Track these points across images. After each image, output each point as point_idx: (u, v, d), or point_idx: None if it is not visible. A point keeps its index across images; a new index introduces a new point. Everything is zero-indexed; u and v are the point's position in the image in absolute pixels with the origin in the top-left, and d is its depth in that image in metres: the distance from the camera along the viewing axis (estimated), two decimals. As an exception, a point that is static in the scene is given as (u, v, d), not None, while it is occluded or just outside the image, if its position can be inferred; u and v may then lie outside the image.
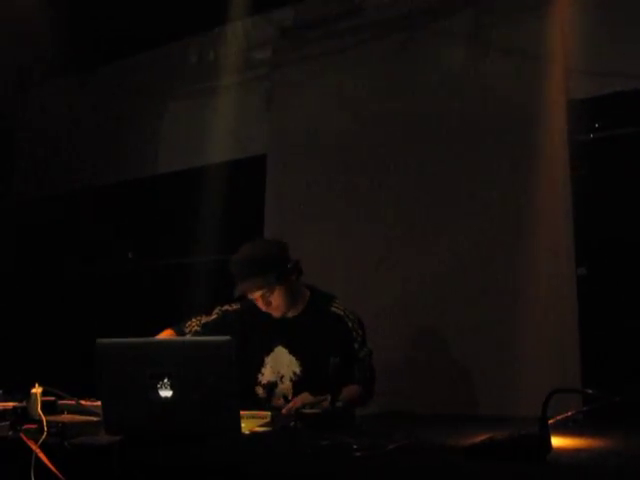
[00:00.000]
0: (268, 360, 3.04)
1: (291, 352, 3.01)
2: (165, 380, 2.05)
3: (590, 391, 1.98)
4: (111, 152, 6.16)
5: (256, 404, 2.89)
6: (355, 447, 1.76)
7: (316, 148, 5.11)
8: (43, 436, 2.05)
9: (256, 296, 2.97)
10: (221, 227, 5.25)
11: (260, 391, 3.04)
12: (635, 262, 4.05)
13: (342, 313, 3.02)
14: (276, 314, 3.02)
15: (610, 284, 4.11)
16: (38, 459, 1.97)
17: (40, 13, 5.02)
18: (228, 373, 2.04)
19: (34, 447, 1.99)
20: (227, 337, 2.06)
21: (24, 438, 2.06)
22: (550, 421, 1.81)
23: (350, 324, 3.00)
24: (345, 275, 4.69)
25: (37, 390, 2.40)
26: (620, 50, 4.16)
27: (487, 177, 4.45)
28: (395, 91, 4.84)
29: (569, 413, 1.94)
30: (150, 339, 2.17)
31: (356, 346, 2.98)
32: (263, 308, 3.00)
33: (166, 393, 2.05)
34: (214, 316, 3.18)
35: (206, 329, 3.11)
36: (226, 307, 3.19)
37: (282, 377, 3.01)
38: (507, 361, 4.14)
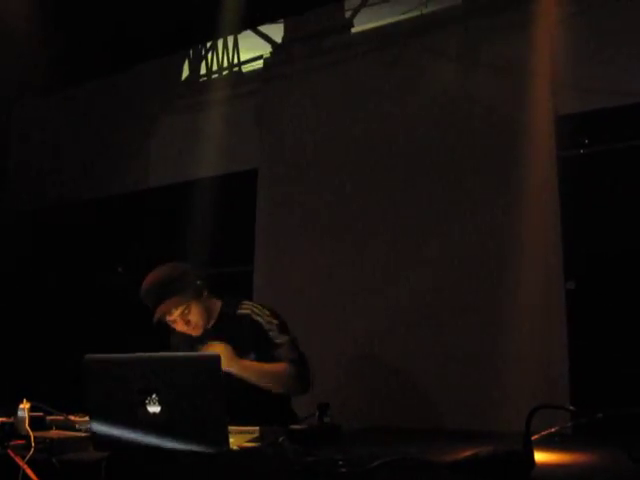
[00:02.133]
0: None
1: None
2: (153, 396, 2.04)
3: (572, 408, 1.98)
4: (102, 166, 6.17)
5: None
6: (341, 463, 1.77)
7: (306, 162, 5.14)
8: (31, 452, 2.05)
9: (174, 317, 2.98)
10: (212, 241, 5.25)
11: None
12: (623, 276, 4.07)
13: (249, 312, 3.04)
14: (195, 333, 3.05)
15: (598, 298, 4.14)
16: (26, 476, 1.96)
17: (30, 28, 5.02)
18: (215, 389, 2.04)
19: (22, 463, 1.99)
20: (214, 353, 2.06)
21: (11, 454, 2.05)
22: (535, 437, 1.82)
23: (259, 318, 3.02)
24: (333, 290, 4.70)
25: (25, 406, 2.39)
26: (607, 66, 4.20)
27: (475, 192, 4.48)
28: (384, 106, 4.87)
29: (553, 429, 1.95)
30: (138, 355, 2.16)
31: (271, 335, 2.99)
32: (183, 329, 3.02)
33: (154, 409, 2.04)
34: (171, 340, 3.24)
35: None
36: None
37: None
38: (494, 375, 4.15)
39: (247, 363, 2.85)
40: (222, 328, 3.06)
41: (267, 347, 2.97)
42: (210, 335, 3.04)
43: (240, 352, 2.92)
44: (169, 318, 2.99)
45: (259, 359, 2.93)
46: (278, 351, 2.97)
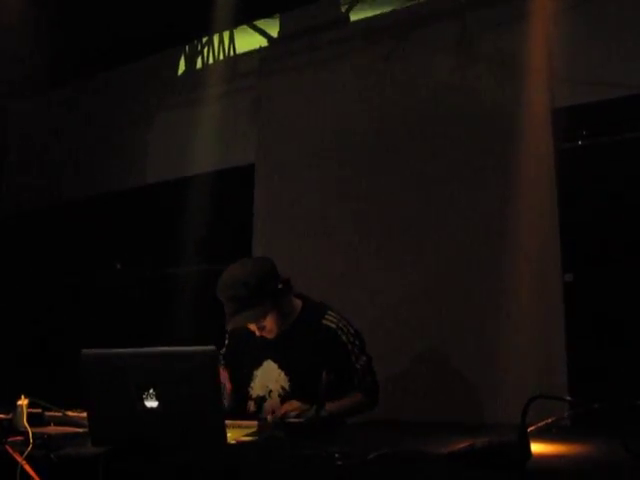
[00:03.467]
0: (257, 374, 2.98)
1: (280, 367, 2.94)
2: (150, 391, 2.04)
3: (569, 398, 1.99)
4: (99, 163, 6.17)
5: (247, 418, 2.80)
6: (337, 456, 1.77)
7: (304, 157, 5.13)
8: (29, 448, 2.04)
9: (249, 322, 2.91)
10: (209, 237, 5.25)
11: (252, 405, 2.98)
12: (621, 268, 4.07)
13: (335, 326, 2.92)
14: (269, 336, 2.94)
15: (596, 290, 4.14)
16: (24, 471, 1.97)
17: (24, 23, 5.01)
18: (213, 383, 2.05)
19: (20, 459, 1.99)
20: (211, 347, 2.06)
21: (10, 450, 2.05)
22: (531, 428, 1.83)
23: (344, 337, 2.91)
24: (333, 286, 4.68)
25: (23, 402, 2.39)
26: (605, 58, 4.20)
27: (473, 186, 4.48)
28: (381, 101, 4.87)
29: (550, 420, 1.95)
30: (135, 350, 2.16)
31: (353, 358, 2.91)
32: (257, 333, 2.92)
33: (151, 404, 2.05)
34: (226, 343, 3.14)
35: (226, 360, 3.06)
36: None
37: (270, 392, 2.94)
38: (492, 367, 4.16)
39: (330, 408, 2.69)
40: (300, 334, 2.95)
41: (347, 370, 2.90)
42: (284, 339, 2.95)
43: (310, 367, 2.84)
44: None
45: (336, 380, 2.83)
46: (356, 376, 2.91)
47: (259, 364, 2.99)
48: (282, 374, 2.93)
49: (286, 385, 2.92)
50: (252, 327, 2.92)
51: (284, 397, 2.90)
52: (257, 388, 2.98)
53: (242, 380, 2.99)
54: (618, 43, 4.18)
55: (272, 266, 2.95)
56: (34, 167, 6.44)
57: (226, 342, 3.13)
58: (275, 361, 2.96)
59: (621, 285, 4.06)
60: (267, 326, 2.89)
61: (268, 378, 2.96)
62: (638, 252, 4.03)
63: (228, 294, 2.83)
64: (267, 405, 2.93)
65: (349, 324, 2.98)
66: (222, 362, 3.02)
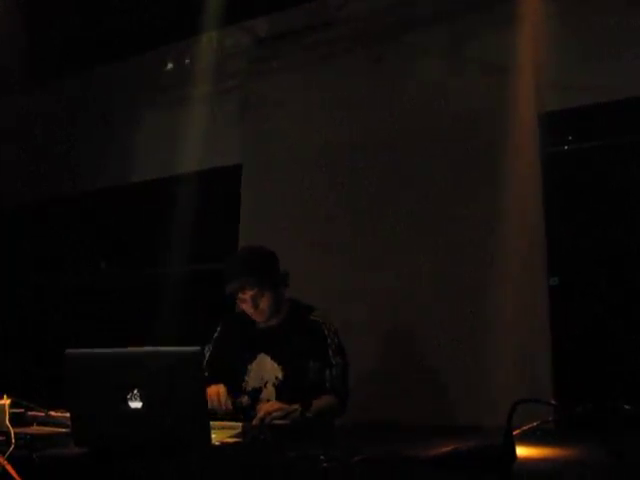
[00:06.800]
0: (251, 368, 3.12)
1: (273, 358, 3.10)
2: (135, 391, 2.03)
3: (553, 402, 2.00)
4: (84, 161, 6.13)
5: (240, 413, 2.96)
6: (322, 458, 1.77)
7: (290, 158, 5.12)
8: (11, 448, 2.02)
9: (246, 297, 3.04)
10: (195, 237, 5.23)
11: (245, 399, 3.08)
12: (606, 272, 4.10)
13: (321, 320, 3.13)
14: (259, 319, 3.11)
15: (582, 294, 4.16)
16: (5, 472, 1.95)
17: (11, 19, 4.97)
18: (197, 384, 2.04)
19: (1, 460, 1.97)
20: (196, 348, 2.05)
21: (-9, 451, 2.04)
22: (516, 431, 1.83)
23: (326, 331, 3.10)
24: (318, 286, 4.68)
25: (5, 401, 2.37)
26: (591, 63, 4.23)
27: (459, 190, 4.48)
28: (368, 103, 4.87)
29: (535, 423, 1.96)
30: (119, 350, 2.15)
31: (330, 352, 3.06)
32: (249, 311, 3.08)
33: (136, 404, 2.03)
34: (218, 329, 3.28)
35: (215, 346, 3.23)
36: (227, 316, 3.31)
37: (266, 383, 3.08)
38: (478, 371, 4.16)
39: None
40: (290, 328, 3.14)
41: (324, 363, 3.05)
42: (275, 333, 3.12)
43: (300, 357, 3.05)
44: (241, 295, 3.05)
45: (320, 368, 3.02)
46: (330, 372, 3.03)
47: (253, 358, 3.14)
48: (275, 365, 3.09)
49: (280, 375, 3.07)
50: (246, 305, 3.06)
51: (278, 386, 3.06)
52: (252, 381, 3.12)
53: (236, 375, 3.11)
54: (605, 48, 4.21)
55: (277, 258, 3.18)
56: (16, 164, 6.38)
57: (218, 329, 3.27)
58: (268, 354, 3.11)
59: (606, 288, 4.08)
60: (261, 305, 3.07)
61: (263, 370, 3.11)
62: (623, 256, 4.05)
63: (236, 262, 3.10)
64: (263, 395, 3.07)
65: (332, 323, 3.17)
66: (210, 349, 3.21)
